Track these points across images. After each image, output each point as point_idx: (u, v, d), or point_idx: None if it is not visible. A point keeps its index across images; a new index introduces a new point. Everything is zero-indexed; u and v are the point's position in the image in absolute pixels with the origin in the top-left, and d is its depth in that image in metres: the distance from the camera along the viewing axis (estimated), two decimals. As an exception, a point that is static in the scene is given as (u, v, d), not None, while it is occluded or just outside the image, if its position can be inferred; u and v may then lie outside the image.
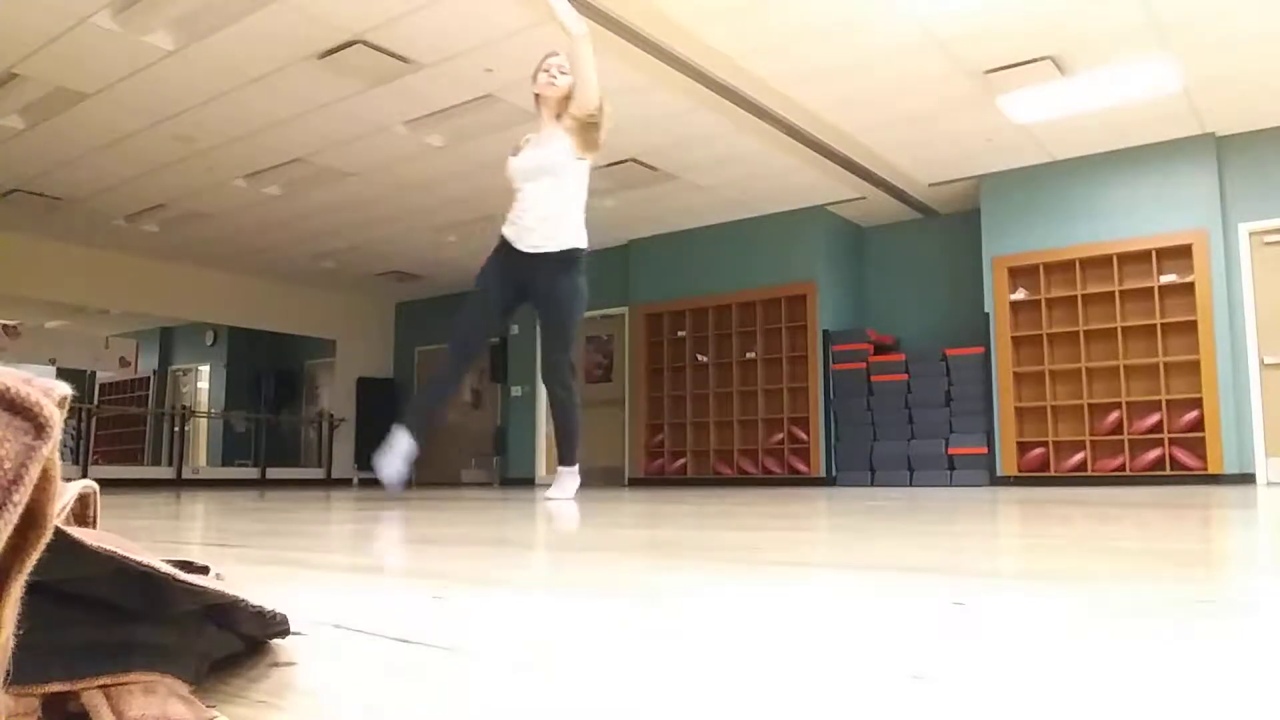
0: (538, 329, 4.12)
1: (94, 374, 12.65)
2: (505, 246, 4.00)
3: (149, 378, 13.92)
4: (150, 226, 8.89)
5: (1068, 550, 1.33)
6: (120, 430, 13.21)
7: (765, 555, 1.30)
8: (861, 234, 9.12)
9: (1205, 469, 6.60)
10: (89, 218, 8.57)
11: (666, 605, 0.80)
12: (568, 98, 3.89)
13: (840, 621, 0.70)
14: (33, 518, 0.28)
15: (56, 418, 0.27)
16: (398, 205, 8.35)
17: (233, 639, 0.50)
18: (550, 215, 3.90)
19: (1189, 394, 6.77)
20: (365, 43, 5.35)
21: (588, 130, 3.88)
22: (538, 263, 3.91)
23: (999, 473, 7.39)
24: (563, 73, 3.91)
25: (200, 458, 13.18)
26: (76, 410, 9.78)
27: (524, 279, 3.96)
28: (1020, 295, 7.55)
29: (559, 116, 3.92)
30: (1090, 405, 7.14)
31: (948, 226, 8.58)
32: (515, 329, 10.45)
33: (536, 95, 3.99)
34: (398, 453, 3.79)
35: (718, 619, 0.72)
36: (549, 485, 4.08)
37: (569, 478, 3.99)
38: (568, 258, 3.92)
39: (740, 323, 8.87)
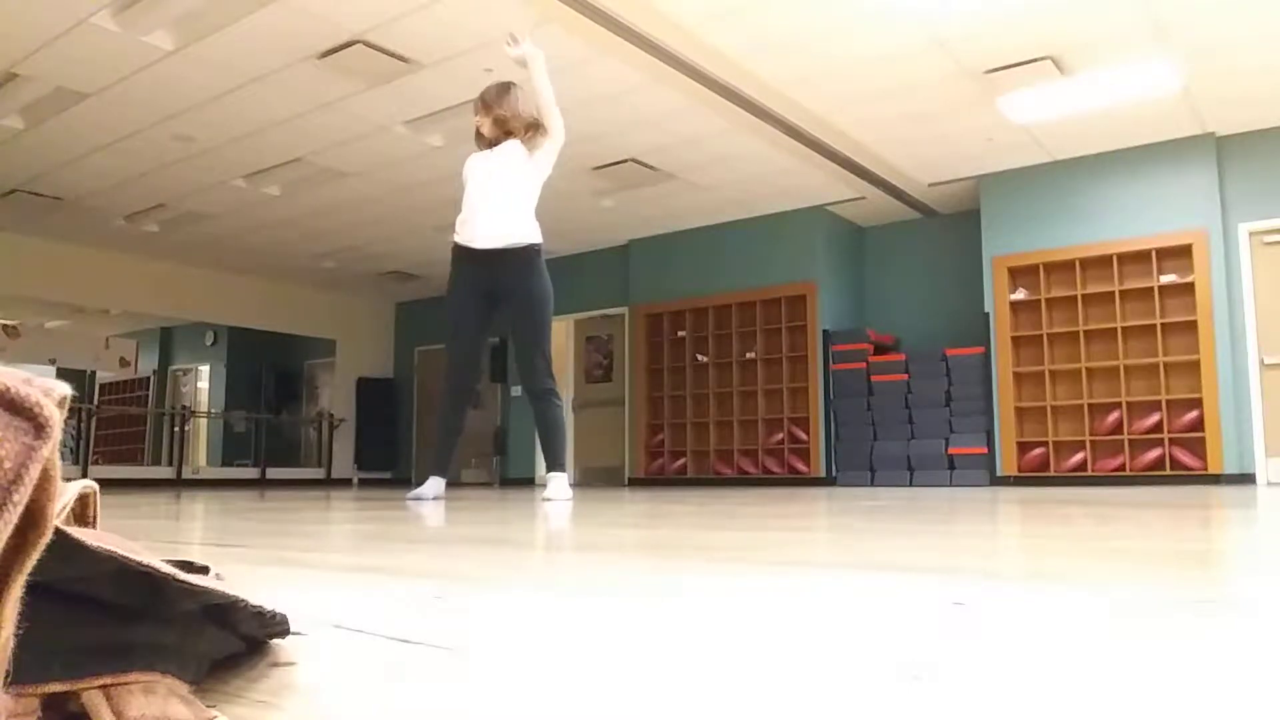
0: (510, 332, 4.19)
1: (94, 374, 12.64)
2: (463, 255, 4.07)
3: (149, 378, 13.91)
4: (150, 226, 8.89)
5: (1067, 550, 1.33)
6: (120, 430, 13.21)
7: (765, 555, 1.31)
8: (861, 234, 9.12)
9: (1205, 469, 6.60)
10: (89, 218, 8.57)
11: (666, 605, 0.80)
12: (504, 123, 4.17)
13: (840, 621, 0.70)
14: (33, 518, 0.28)
15: (56, 418, 0.27)
16: (398, 205, 8.35)
17: (233, 639, 0.50)
18: (503, 210, 4.01)
19: (1189, 394, 6.77)
20: (365, 43, 5.35)
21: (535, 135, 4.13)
22: (500, 261, 3.98)
23: (999, 473, 7.39)
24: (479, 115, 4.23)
25: (200, 458, 13.18)
26: (76, 410, 9.78)
27: (488, 287, 4.03)
28: (1020, 295, 7.55)
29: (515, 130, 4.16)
30: (1090, 405, 7.14)
31: (948, 226, 8.58)
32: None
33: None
34: (430, 490, 4.11)
35: (718, 619, 0.72)
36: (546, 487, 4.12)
37: (560, 480, 4.02)
38: (529, 253, 4.03)
39: (740, 323, 8.87)
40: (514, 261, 3.99)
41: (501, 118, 4.10)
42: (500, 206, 4.01)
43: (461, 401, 4.18)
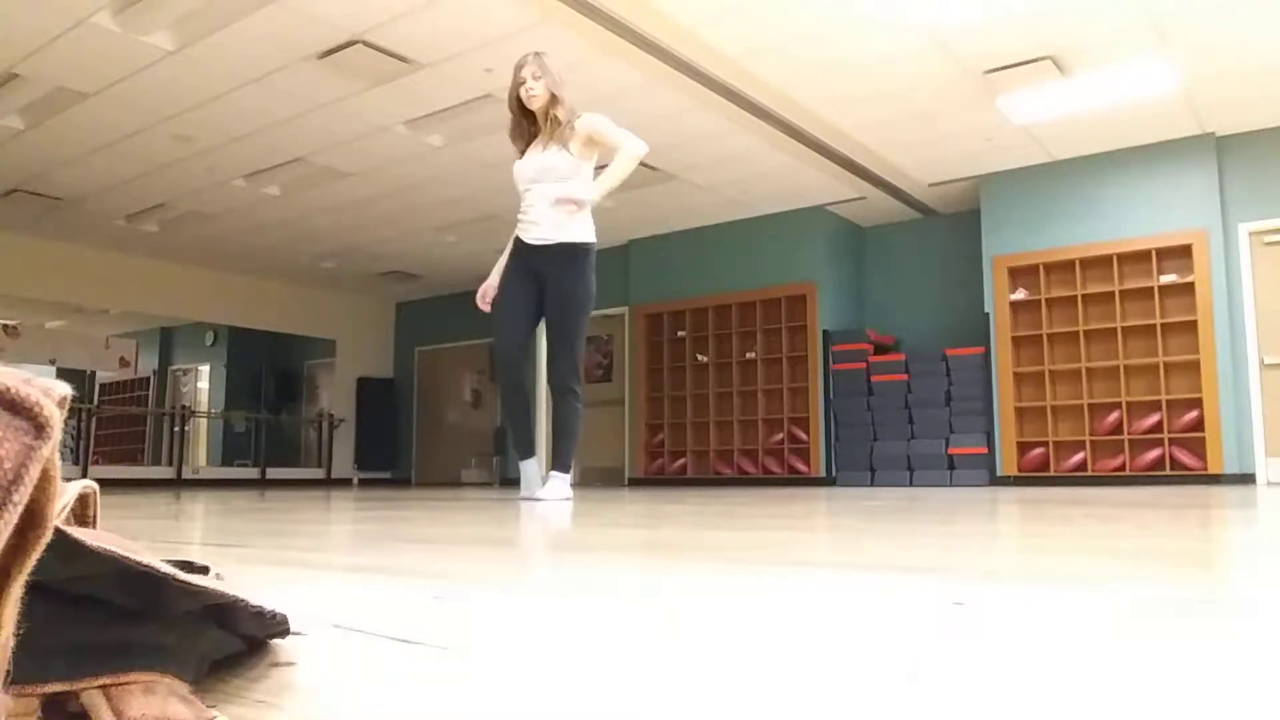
0: (544, 328, 4.15)
1: (94, 374, 12.64)
2: (518, 245, 4.06)
3: (149, 378, 13.91)
4: (150, 226, 8.89)
5: (1067, 550, 1.33)
6: (120, 430, 13.20)
7: (765, 555, 1.31)
8: (861, 234, 9.12)
9: (1205, 469, 6.60)
10: (89, 218, 8.57)
11: (666, 605, 0.80)
12: (552, 104, 3.96)
13: (839, 621, 0.70)
14: (33, 518, 0.28)
15: (56, 418, 0.27)
16: (398, 205, 8.35)
17: (233, 639, 0.50)
18: (555, 209, 3.96)
19: (1189, 394, 6.77)
20: (365, 43, 5.35)
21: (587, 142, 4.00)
22: (548, 255, 3.97)
23: (999, 473, 7.39)
24: (535, 78, 3.93)
25: (200, 458, 13.18)
26: (76, 410, 9.78)
27: (538, 274, 4.01)
28: (1020, 295, 7.55)
29: (549, 121, 3.97)
30: (1090, 405, 7.14)
31: (948, 226, 8.58)
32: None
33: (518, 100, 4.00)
34: (533, 476, 4.06)
35: (717, 619, 0.72)
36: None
37: (562, 480, 3.98)
38: (577, 251, 3.98)
39: (740, 323, 8.87)
40: (560, 257, 3.96)
41: (552, 83, 3.94)
42: (554, 205, 3.97)
43: (517, 391, 4.11)
